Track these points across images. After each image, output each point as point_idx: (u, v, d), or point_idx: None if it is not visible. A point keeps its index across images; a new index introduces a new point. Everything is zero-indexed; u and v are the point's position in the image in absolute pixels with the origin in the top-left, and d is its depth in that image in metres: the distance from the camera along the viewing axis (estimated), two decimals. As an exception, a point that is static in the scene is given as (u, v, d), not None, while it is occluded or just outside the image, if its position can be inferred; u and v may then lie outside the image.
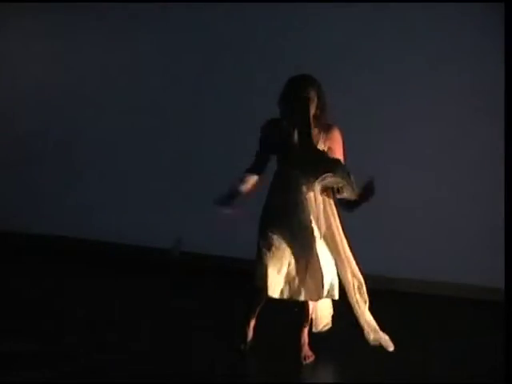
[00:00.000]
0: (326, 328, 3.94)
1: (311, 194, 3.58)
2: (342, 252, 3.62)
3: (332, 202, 3.64)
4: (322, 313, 3.91)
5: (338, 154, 3.57)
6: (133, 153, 5.76)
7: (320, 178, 3.42)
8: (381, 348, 3.64)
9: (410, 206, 4.97)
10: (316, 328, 3.93)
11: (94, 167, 5.92)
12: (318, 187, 3.52)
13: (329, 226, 3.62)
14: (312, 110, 3.48)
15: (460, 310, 4.71)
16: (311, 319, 3.85)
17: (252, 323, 3.89)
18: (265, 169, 3.70)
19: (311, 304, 3.77)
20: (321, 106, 3.51)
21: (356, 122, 4.76)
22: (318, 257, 3.59)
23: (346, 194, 3.43)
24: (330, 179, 3.42)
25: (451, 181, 4.90)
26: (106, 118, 5.82)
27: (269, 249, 3.62)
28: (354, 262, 3.63)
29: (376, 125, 4.97)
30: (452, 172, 4.90)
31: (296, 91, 3.46)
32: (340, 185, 3.42)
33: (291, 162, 3.58)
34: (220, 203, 3.56)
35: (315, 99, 3.48)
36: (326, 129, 3.56)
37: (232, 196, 3.58)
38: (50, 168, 6.05)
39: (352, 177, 3.38)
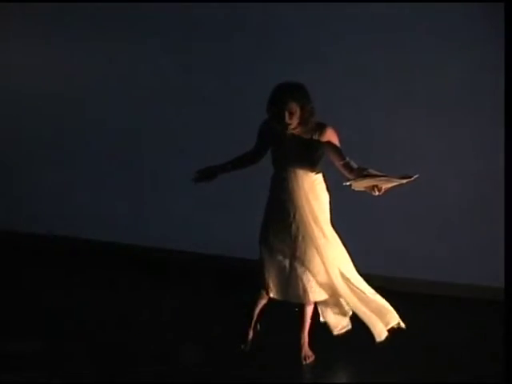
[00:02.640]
0: (345, 330, 3.87)
1: (309, 195, 3.61)
2: (336, 249, 3.68)
3: (327, 200, 3.72)
4: (337, 313, 3.87)
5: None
6: (132, 153, 5.76)
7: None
8: (381, 347, 3.66)
9: (410, 205, 4.96)
10: (333, 331, 3.88)
11: (94, 167, 5.91)
12: (315, 187, 3.59)
13: (324, 228, 3.66)
14: (295, 122, 3.56)
15: (460, 309, 4.70)
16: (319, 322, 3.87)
17: (252, 323, 3.89)
18: (254, 160, 3.83)
19: (312, 304, 3.78)
20: (306, 114, 3.57)
21: (355, 124, 4.76)
22: (318, 257, 3.62)
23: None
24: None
25: (451, 181, 4.89)
26: (107, 118, 5.82)
27: (270, 251, 3.67)
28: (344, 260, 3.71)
29: (375, 125, 4.97)
30: (452, 172, 4.89)
31: (278, 105, 3.54)
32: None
33: (284, 163, 3.65)
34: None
35: (297, 111, 3.54)
36: (320, 129, 3.63)
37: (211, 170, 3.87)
38: (50, 168, 6.05)
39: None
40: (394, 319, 3.74)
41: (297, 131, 3.62)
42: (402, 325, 3.74)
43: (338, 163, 3.63)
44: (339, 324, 3.87)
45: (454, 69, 4.80)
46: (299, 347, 3.78)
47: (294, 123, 3.57)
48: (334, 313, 3.85)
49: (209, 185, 5.44)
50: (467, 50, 4.76)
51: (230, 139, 5.35)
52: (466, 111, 4.82)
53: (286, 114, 3.53)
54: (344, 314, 3.85)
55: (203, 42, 5.43)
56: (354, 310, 3.70)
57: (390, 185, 3.40)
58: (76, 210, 5.97)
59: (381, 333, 3.68)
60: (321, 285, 3.67)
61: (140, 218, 5.76)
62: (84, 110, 5.89)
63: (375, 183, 3.40)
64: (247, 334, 3.88)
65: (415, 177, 3.32)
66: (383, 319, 3.71)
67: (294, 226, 3.64)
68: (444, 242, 4.92)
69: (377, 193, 3.42)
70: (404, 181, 3.35)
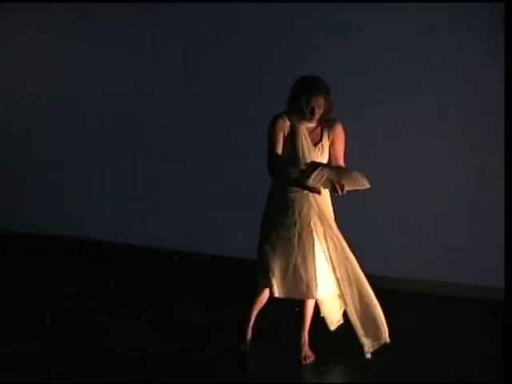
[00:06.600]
0: (339, 324, 3.91)
1: (311, 193, 3.61)
2: (341, 250, 3.67)
3: (329, 200, 3.71)
4: (332, 310, 3.90)
5: (340, 147, 3.68)
6: (133, 153, 5.76)
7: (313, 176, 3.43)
8: (381, 347, 3.66)
9: (410, 206, 4.97)
10: (330, 327, 3.93)
11: (95, 167, 5.92)
12: (317, 186, 3.57)
13: (329, 225, 3.66)
14: (319, 115, 3.57)
15: (460, 310, 4.70)
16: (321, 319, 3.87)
17: (252, 323, 3.89)
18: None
19: (312, 304, 3.78)
20: (329, 107, 3.60)
21: (356, 124, 4.76)
22: (323, 255, 3.63)
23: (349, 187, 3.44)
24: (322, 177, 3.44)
25: (451, 181, 4.89)
26: (108, 118, 5.82)
27: (272, 249, 3.66)
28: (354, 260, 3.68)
29: (376, 126, 4.97)
30: (452, 172, 4.89)
31: (307, 99, 3.51)
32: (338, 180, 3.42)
33: (293, 160, 3.63)
34: None
35: (324, 105, 3.55)
36: (330, 123, 3.65)
37: None
38: (51, 167, 6.06)
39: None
40: (384, 336, 3.67)
41: (311, 126, 3.62)
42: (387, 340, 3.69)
43: (335, 161, 3.65)
44: (335, 319, 3.92)
45: (454, 68, 4.80)
46: (299, 347, 3.78)
47: (318, 116, 3.57)
48: (332, 309, 3.88)
49: (208, 185, 5.50)
50: (467, 49, 4.76)
51: (232, 140, 5.38)
52: (466, 111, 4.82)
53: (316, 107, 3.52)
54: (340, 308, 3.87)
55: (202, 42, 5.45)
56: (349, 312, 3.66)
57: (347, 183, 3.40)
58: (76, 210, 5.98)
59: (367, 345, 3.65)
60: (324, 282, 3.67)
61: (139, 219, 5.77)
62: (85, 111, 5.89)
63: (331, 178, 3.39)
64: (246, 333, 3.88)
65: (366, 187, 3.43)
66: (374, 331, 3.67)
67: (298, 224, 3.63)
68: (444, 241, 4.92)
69: (339, 192, 3.39)
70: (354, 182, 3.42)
